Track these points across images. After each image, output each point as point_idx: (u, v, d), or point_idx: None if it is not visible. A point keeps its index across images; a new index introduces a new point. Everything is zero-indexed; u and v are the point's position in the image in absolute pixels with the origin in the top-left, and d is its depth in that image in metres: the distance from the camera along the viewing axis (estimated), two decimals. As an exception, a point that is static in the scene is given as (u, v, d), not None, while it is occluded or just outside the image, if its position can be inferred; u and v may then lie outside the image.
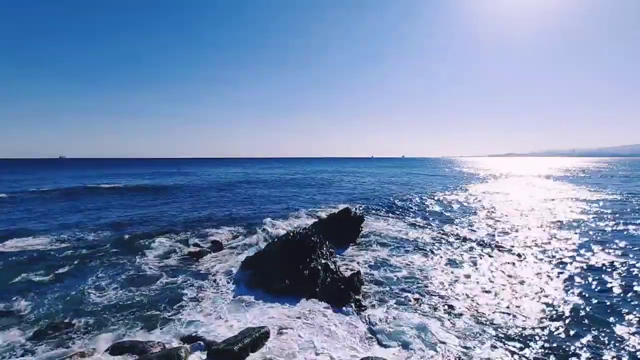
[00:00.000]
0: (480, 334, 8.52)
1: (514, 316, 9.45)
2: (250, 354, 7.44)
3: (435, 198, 34.19)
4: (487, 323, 9.10)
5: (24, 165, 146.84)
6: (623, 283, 11.59)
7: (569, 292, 10.96)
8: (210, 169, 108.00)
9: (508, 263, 13.93)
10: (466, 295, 10.89)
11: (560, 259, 14.26)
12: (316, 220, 20.29)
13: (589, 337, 8.39)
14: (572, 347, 7.97)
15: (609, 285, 11.47)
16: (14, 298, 10.51)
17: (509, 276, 12.47)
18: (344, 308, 9.69)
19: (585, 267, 13.28)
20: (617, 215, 23.62)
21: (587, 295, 10.77)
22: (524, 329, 8.81)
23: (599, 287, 11.36)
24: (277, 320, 9.08)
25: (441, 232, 19.52)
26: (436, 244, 16.87)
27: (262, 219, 22.99)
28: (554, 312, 9.67)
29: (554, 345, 8.07)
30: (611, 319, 9.20)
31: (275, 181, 57.23)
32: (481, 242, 17.05)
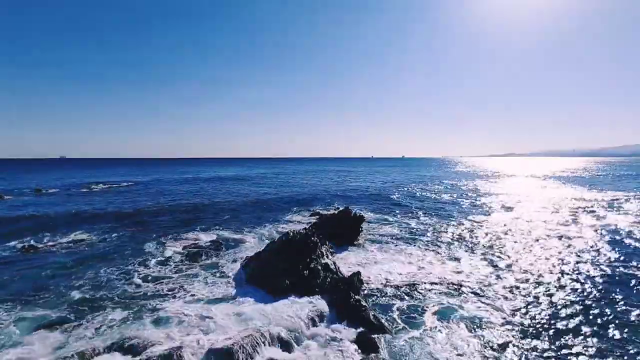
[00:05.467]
0: (480, 332, 8.54)
1: (514, 313, 9.49)
2: (250, 354, 7.44)
3: (436, 198, 34.16)
4: (486, 323, 9.10)
5: (24, 165, 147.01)
6: (622, 280, 11.62)
7: (564, 288, 10.99)
8: (212, 169, 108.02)
9: (507, 262, 13.92)
10: (469, 294, 10.88)
11: (558, 255, 14.30)
12: (316, 220, 20.28)
13: (575, 334, 8.42)
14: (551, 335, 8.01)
15: (609, 285, 11.48)
16: (15, 296, 10.53)
17: (508, 276, 12.46)
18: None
19: (575, 266, 13.30)
20: (623, 214, 23.63)
21: (576, 293, 10.77)
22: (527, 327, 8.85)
23: (598, 287, 11.36)
24: (277, 321, 9.07)
25: (441, 231, 19.47)
26: (436, 243, 16.83)
27: (261, 220, 23.03)
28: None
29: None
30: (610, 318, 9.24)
31: (275, 181, 57.25)
32: (480, 242, 17.05)
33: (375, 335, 8.41)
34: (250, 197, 35.34)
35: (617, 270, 12.91)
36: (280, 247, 12.55)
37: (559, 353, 7.81)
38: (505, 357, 7.68)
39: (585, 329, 8.78)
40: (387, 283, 11.93)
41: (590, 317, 9.40)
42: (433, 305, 10.11)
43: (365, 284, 11.45)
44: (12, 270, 12.98)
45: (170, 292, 11.03)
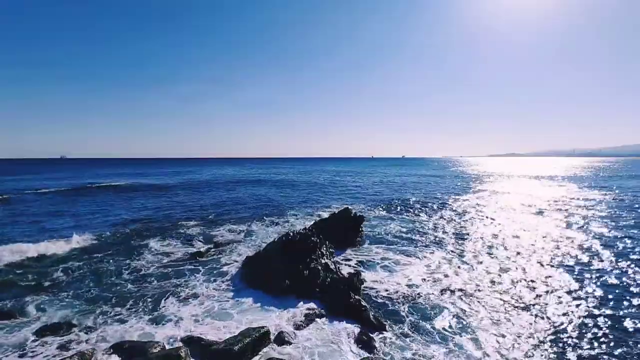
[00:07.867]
0: (487, 337, 8.54)
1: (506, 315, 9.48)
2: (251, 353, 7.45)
3: (436, 198, 34.16)
4: (492, 328, 9.10)
5: (25, 166, 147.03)
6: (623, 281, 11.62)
7: (562, 289, 10.99)
8: (212, 169, 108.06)
9: (507, 263, 13.91)
10: (468, 296, 10.87)
11: (559, 258, 14.29)
12: (316, 220, 20.28)
13: (568, 333, 8.42)
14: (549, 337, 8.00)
15: (609, 286, 11.49)
16: (17, 298, 10.54)
17: (507, 276, 12.45)
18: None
19: (576, 265, 13.29)
20: (622, 213, 23.62)
21: (573, 295, 10.77)
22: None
23: (597, 289, 11.36)
24: (277, 321, 9.09)
25: (443, 231, 19.48)
26: (439, 244, 16.83)
27: (262, 219, 23.03)
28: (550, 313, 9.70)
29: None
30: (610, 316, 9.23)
31: (275, 181, 57.24)
32: (482, 243, 17.05)
33: (375, 335, 8.42)
34: (249, 197, 35.35)
35: None
36: (280, 247, 12.56)
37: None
38: None
39: (608, 335, 8.51)
40: (388, 284, 11.91)
41: (613, 322, 9.08)
42: (434, 307, 10.10)
43: (365, 285, 11.47)
44: (12, 271, 12.99)
45: (170, 292, 11.03)
